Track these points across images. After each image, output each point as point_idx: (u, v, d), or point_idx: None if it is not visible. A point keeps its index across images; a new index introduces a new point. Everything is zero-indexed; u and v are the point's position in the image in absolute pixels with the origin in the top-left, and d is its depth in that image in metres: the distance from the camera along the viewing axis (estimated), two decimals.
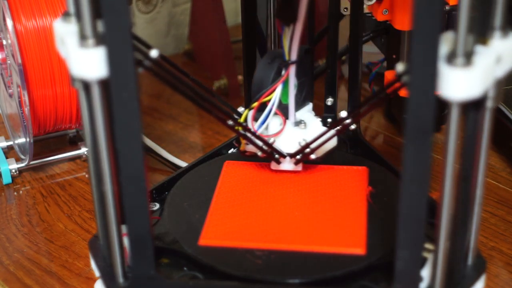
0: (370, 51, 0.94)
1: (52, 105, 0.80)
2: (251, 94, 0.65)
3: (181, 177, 0.68)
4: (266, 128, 0.65)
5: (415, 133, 0.47)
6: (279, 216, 0.62)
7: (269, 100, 0.65)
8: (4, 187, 0.82)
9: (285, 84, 0.65)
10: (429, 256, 0.55)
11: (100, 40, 0.48)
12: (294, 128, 0.66)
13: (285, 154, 0.65)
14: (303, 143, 0.64)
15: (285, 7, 0.62)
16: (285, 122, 0.65)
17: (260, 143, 0.64)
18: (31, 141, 0.80)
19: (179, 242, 0.59)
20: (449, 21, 0.78)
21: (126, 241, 0.55)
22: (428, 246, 0.55)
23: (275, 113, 0.65)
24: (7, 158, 0.84)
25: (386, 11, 0.79)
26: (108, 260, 0.56)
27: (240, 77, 0.98)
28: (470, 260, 0.56)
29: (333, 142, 0.67)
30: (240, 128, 0.63)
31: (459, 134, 0.48)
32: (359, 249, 0.58)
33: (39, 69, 0.78)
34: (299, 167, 0.66)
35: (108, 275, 0.56)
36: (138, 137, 0.51)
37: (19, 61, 0.76)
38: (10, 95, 0.86)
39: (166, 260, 0.59)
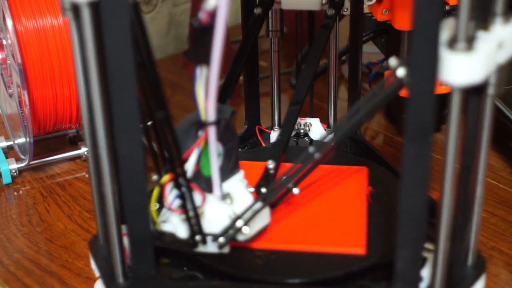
0: (370, 51, 0.94)
1: (52, 105, 0.80)
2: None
3: None
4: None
5: (415, 133, 0.47)
6: (279, 216, 0.62)
7: None
8: (4, 187, 0.82)
9: (205, 152, 0.54)
10: (429, 256, 0.55)
11: None
12: (218, 204, 0.56)
13: (208, 235, 0.56)
14: (233, 216, 0.55)
15: (196, 44, 0.48)
16: (204, 197, 0.55)
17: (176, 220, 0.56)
18: (31, 141, 0.80)
19: (179, 242, 0.59)
20: None
21: (126, 241, 0.55)
22: (428, 246, 0.55)
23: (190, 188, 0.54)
24: (7, 158, 0.84)
25: (386, 11, 0.79)
26: (108, 260, 0.56)
27: (240, 77, 0.98)
28: (470, 260, 0.56)
29: (265, 220, 0.58)
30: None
31: (460, 123, 0.48)
32: (359, 249, 0.58)
33: (39, 69, 0.78)
34: (226, 249, 0.57)
35: (108, 275, 0.56)
36: (138, 137, 0.51)
37: (19, 61, 0.76)
38: (10, 95, 0.86)
39: (166, 260, 0.59)
